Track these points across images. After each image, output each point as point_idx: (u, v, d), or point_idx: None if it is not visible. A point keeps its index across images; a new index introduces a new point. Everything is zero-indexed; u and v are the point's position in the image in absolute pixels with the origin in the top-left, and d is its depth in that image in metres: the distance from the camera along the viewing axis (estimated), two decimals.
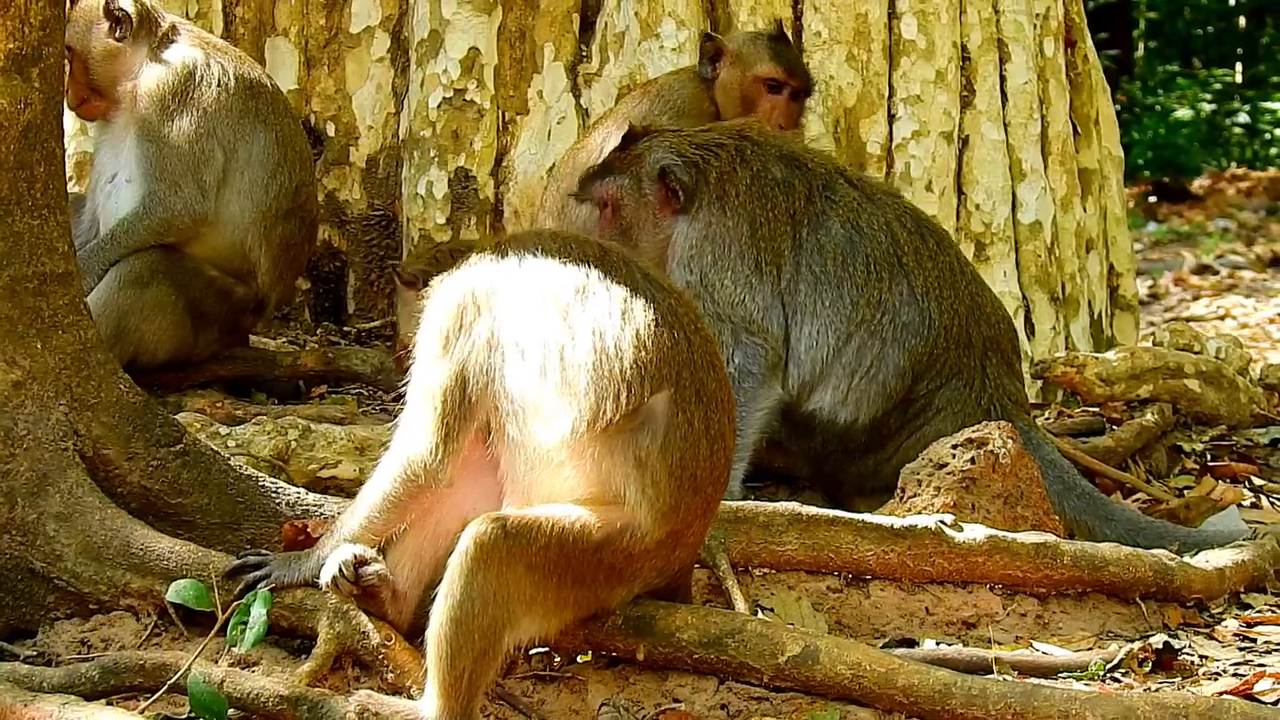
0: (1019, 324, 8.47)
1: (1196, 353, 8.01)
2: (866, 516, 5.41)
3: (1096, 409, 7.75)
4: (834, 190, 6.60)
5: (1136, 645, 5.06)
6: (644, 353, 4.45)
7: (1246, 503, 6.95)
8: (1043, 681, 4.83)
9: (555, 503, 4.45)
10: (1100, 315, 9.18)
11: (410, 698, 4.48)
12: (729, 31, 8.33)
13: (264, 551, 4.87)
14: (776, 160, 6.63)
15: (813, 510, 5.35)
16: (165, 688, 4.58)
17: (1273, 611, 5.61)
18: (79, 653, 4.91)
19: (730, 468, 4.80)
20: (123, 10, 7.18)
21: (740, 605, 5.03)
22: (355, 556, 4.58)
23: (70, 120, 7.19)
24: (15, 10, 4.89)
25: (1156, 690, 4.85)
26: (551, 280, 4.56)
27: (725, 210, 6.54)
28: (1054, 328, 8.82)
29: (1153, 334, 8.51)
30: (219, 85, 7.21)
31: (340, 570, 4.58)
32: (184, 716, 4.57)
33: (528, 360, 4.48)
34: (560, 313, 4.50)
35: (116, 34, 7.21)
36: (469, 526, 4.33)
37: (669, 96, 7.70)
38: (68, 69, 6.81)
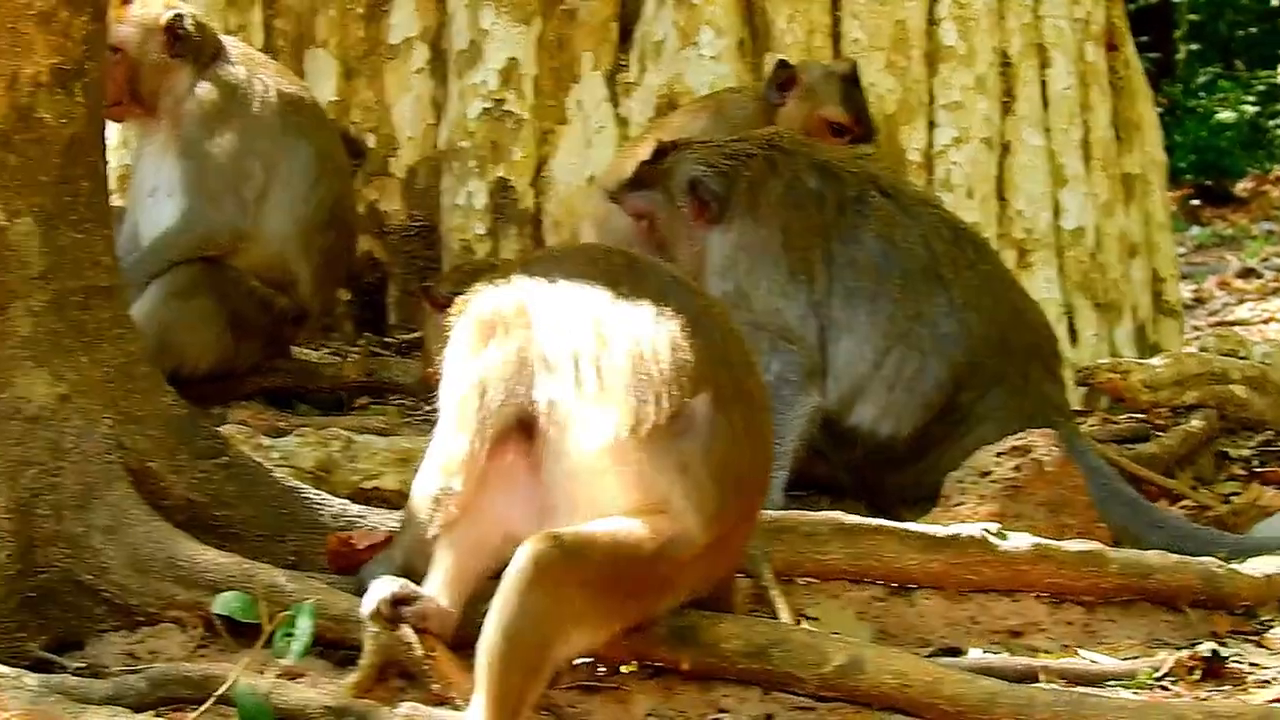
0: (1062, 331, 8.44)
1: (1242, 358, 7.98)
2: (910, 525, 5.39)
3: (1142, 415, 7.71)
4: (866, 203, 6.56)
5: (1185, 653, 5.02)
6: (681, 354, 4.43)
7: None
8: (1090, 690, 4.80)
9: (599, 512, 4.42)
10: (1144, 321, 9.14)
11: (455, 708, 4.47)
12: (766, 40, 8.33)
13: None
14: (808, 169, 6.60)
15: (856, 519, 5.33)
16: (213, 699, 4.57)
17: None
18: (126, 665, 4.90)
19: (770, 468, 4.78)
20: (185, 30, 7.19)
21: (784, 615, 5.01)
22: (393, 594, 4.53)
23: (113, 133, 7.21)
24: (58, 26, 4.88)
25: (1206, 699, 4.82)
26: (580, 292, 4.55)
27: (758, 219, 6.53)
28: (1097, 334, 8.78)
29: (1198, 339, 8.47)
30: (261, 102, 7.24)
31: (379, 608, 4.56)
32: None
33: (562, 372, 4.47)
34: (592, 322, 4.49)
35: (173, 50, 7.22)
36: (526, 544, 4.28)
37: (729, 114, 7.66)
38: (112, 70, 6.82)
